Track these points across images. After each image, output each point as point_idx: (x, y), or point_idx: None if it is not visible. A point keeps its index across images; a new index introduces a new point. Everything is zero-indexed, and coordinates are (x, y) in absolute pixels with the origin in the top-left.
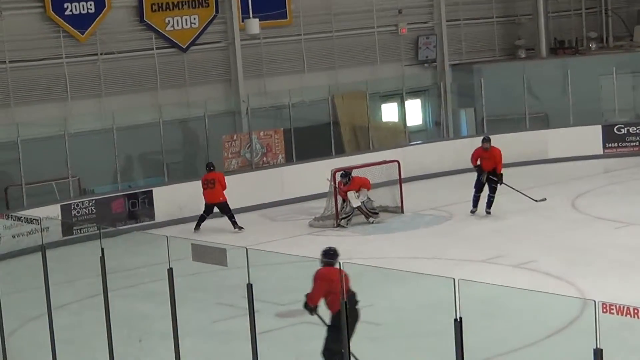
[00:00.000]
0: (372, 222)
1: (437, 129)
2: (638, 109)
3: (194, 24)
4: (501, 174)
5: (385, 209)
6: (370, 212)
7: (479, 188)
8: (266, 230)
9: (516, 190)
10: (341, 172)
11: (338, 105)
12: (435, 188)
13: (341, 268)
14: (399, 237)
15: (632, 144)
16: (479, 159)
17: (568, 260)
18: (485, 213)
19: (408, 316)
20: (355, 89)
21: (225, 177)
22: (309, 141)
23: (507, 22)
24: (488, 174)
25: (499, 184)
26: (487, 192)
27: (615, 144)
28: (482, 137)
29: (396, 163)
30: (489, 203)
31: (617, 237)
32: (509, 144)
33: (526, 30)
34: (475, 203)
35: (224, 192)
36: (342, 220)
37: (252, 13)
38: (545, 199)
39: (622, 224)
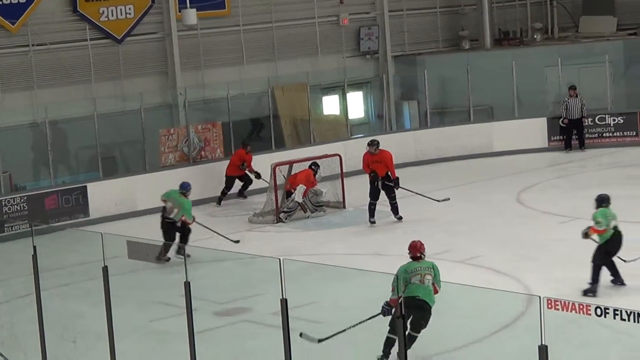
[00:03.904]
0: (308, 217)
1: (379, 122)
2: (583, 100)
3: (129, 14)
4: (397, 178)
5: (327, 204)
6: (314, 207)
7: (374, 196)
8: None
9: (416, 193)
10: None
11: (278, 97)
12: None
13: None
14: (341, 233)
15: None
16: (371, 165)
17: (513, 255)
18: (397, 220)
19: (350, 313)
20: (296, 81)
21: (162, 172)
22: (248, 134)
23: (450, 12)
24: (382, 179)
25: (396, 189)
26: (387, 200)
27: (561, 137)
28: (368, 142)
29: (338, 157)
30: (395, 209)
31: (563, 231)
32: (453, 137)
33: (470, 21)
34: (373, 213)
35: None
36: (282, 214)
37: (190, 3)
38: (449, 199)
39: (567, 218)
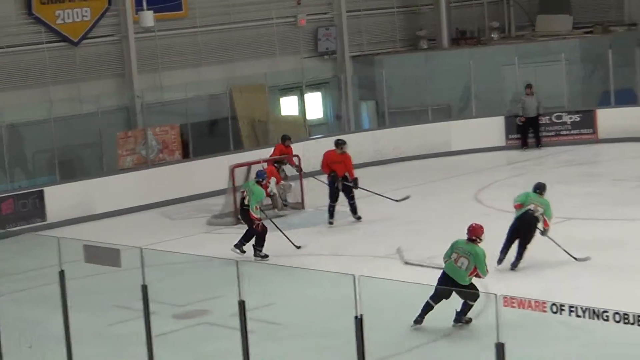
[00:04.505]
0: (277, 214)
1: (338, 123)
2: (540, 99)
3: (86, 16)
4: (356, 178)
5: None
6: (283, 204)
7: (334, 197)
8: (163, 230)
9: (374, 192)
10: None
11: (236, 99)
12: None
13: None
14: (300, 234)
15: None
16: (331, 165)
17: None
18: (356, 220)
19: (309, 314)
20: (254, 83)
21: (120, 175)
22: (206, 136)
23: (408, 12)
24: (341, 179)
25: (355, 189)
26: (346, 200)
27: (519, 135)
28: (335, 140)
29: (297, 157)
30: (354, 209)
31: None
32: (412, 136)
33: (427, 21)
34: (332, 214)
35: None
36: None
37: (146, 5)
38: (409, 197)
39: None
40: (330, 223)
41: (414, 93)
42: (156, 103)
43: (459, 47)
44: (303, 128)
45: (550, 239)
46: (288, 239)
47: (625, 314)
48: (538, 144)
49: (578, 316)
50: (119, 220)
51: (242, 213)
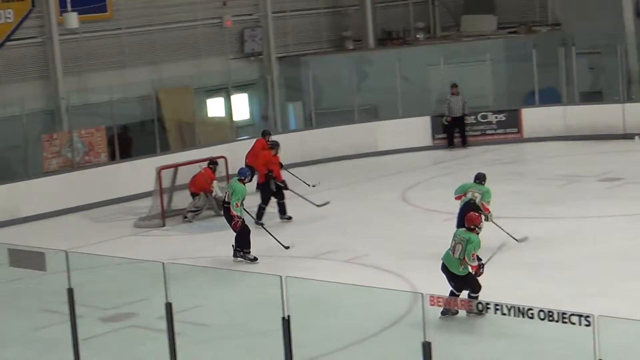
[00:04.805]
0: (216, 215)
1: (264, 124)
2: (465, 99)
3: (9, 18)
4: (283, 180)
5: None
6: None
7: (266, 199)
8: (89, 232)
9: (299, 195)
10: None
11: (162, 101)
12: None
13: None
14: (228, 235)
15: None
16: (268, 165)
17: (399, 253)
18: (286, 220)
19: (238, 316)
20: (180, 84)
21: (45, 178)
22: (132, 138)
23: (334, 13)
24: (275, 180)
25: (284, 190)
26: (276, 200)
27: (445, 135)
28: (271, 142)
29: (223, 159)
30: (284, 210)
31: (448, 229)
32: (339, 137)
33: (353, 22)
34: (261, 216)
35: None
36: (190, 214)
37: (71, 6)
38: (328, 202)
39: (452, 216)
40: (260, 224)
41: (340, 94)
42: (81, 105)
43: (385, 48)
44: (229, 129)
45: (494, 223)
46: (276, 239)
47: (549, 312)
48: (464, 144)
49: (503, 314)
50: (44, 223)
51: (224, 211)
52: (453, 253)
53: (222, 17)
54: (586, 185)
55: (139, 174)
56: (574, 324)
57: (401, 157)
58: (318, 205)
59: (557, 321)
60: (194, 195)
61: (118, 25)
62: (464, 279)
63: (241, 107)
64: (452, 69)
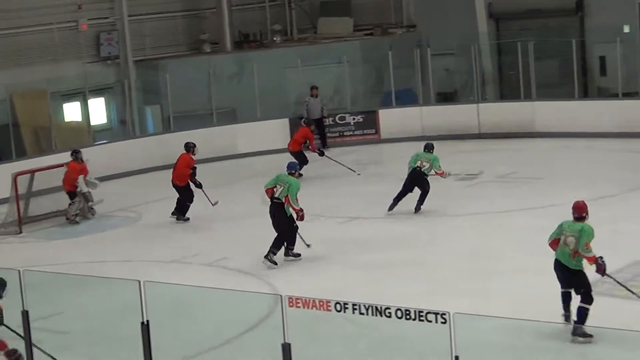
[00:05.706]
0: (91, 209)
1: (122, 128)
2: (325, 101)
3: None
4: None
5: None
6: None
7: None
8: None
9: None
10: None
11: (17, 105)
12: (123, 188)
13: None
14: (86, 241)
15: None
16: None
17: (260, 256)
18: (183, 221)
19: (97, 322)
20: (36, 88)
21: None
22: None
23: (190, 16)
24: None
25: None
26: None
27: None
28: (191, 144)
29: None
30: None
31: (310, 229)
32: (198, 141)
33: (210, 24)
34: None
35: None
36: (78, 218)
37: None
38: (217, 202)
39: (314, 217)
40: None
41: (198, 97)
42: None
43: (242, 50)
44: (87, 134)
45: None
46: (300, 237)
47: (407, 310)
48: (324, 145)
49: (362, 314)
50: None
51: (275, 207)
52: (566, 246)
53: (78, 20)
54: (445, 184)
55: None
56: (430, 321)
57: (260, 159)
58: (213, 204)
59: (414, 319)
60: (70, 194)
61: None
62: (576, 274)
63: (99, 111)
64: (310, 71)
